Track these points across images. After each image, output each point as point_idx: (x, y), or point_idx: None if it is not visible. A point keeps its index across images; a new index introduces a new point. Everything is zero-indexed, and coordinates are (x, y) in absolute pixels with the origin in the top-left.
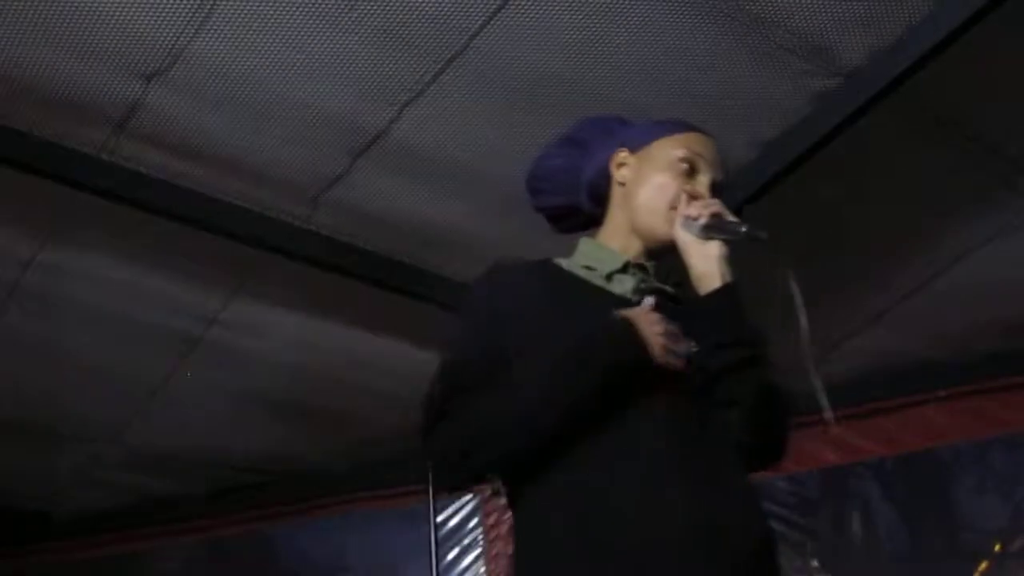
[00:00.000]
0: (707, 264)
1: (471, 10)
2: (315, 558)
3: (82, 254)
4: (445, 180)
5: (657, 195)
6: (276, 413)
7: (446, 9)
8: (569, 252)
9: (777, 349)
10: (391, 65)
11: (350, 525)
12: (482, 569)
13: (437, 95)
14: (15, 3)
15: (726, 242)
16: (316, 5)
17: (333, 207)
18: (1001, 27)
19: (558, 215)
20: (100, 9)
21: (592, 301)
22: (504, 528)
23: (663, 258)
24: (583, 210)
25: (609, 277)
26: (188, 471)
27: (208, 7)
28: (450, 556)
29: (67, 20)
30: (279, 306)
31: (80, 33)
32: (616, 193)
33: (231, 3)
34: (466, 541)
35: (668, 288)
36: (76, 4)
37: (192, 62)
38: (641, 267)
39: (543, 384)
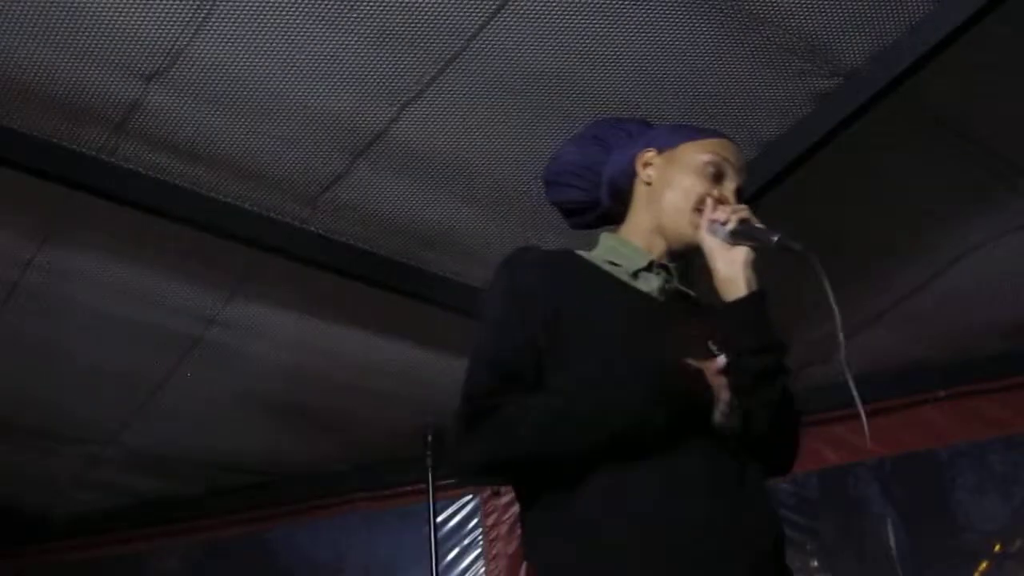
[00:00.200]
0: (732, 269)
1: (471, 11)
2: (314, 558)
3: (82, 254)
4: (445, 180)
5: (683, 197)
6: (275, 413)
7: (445, 10)
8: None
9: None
10: (391, 65)
11: (350, 525)
12: (482, 569)
13: (437, 95)
14: (15, 4)
15: (753, 249)
16: (315, 5)
17: (333, 207)
18: (1001, 27)
19: (573, 209)
20: (100, 10)
21: (621, 297)
22: (504, 528)
23: (684, 259)
24: (600, 206)
25: (635, 275)
26: (187, 471)
27: (208, 8)
28: (450, 556)
29: (67, 21)
30: (278, 306)
31: (80, 33)
32: (641, 192)
33: (230, 3)
34: (466, 541)
35: (690, 292)
36: (76, 5)
37: (192, 62)
38: (664, 267)
39: (602, 417)
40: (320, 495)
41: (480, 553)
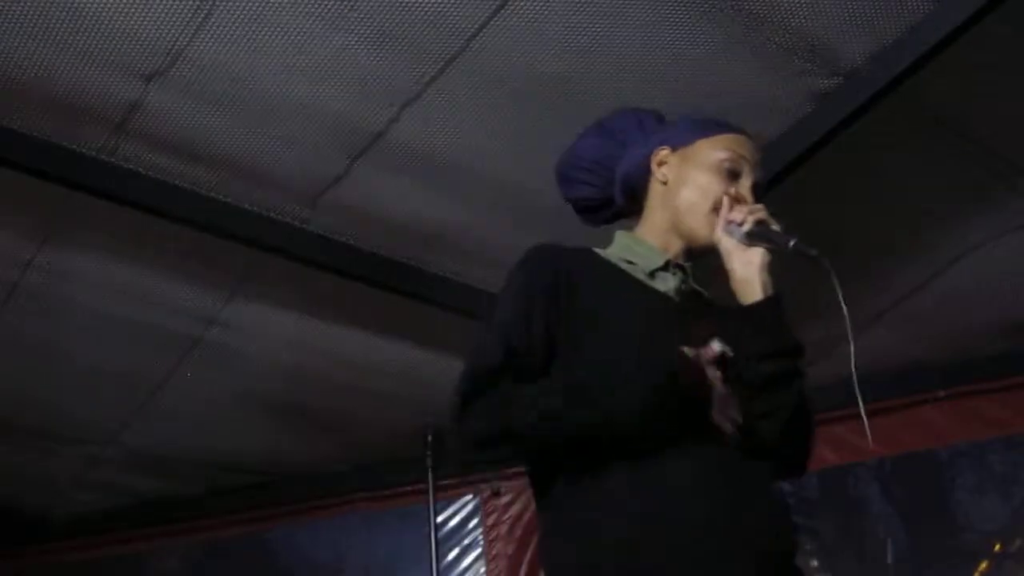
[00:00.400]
0: (748, 271)
1: (470, 11)
2: (314, 558)
3: (82, 254)
4: (445, 180)
5: (700, 196)
6: (275, 413)
7: (445, 10)
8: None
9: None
10: (390, 66)
11: (350, 525)
12: (482, 569)
13: (436, 96)
14: (15, 3)
15: (769, 251)
16: (315, 6)
17: (332, 207)
18: (1001, 27)
19: (586, 207)
20: (100, 10)
21: (638, 296)
22: (504, 528)
23: (700, 259)
24: (614, 204)
25: (652, 274)
26: (187, 471)
27: (208, 8)
28: (450, 556)
29: (67, 21)
30: (278, 306)
31: (80, 34)
32: (656, 191)
33: (231, 3)
34: (466, 541)
35: (704, 292)
36: (76, 5)
37: (192, 63)
38: (680, 267)
39: (601, 410)
40: (320, 495)
41: (480, 553)
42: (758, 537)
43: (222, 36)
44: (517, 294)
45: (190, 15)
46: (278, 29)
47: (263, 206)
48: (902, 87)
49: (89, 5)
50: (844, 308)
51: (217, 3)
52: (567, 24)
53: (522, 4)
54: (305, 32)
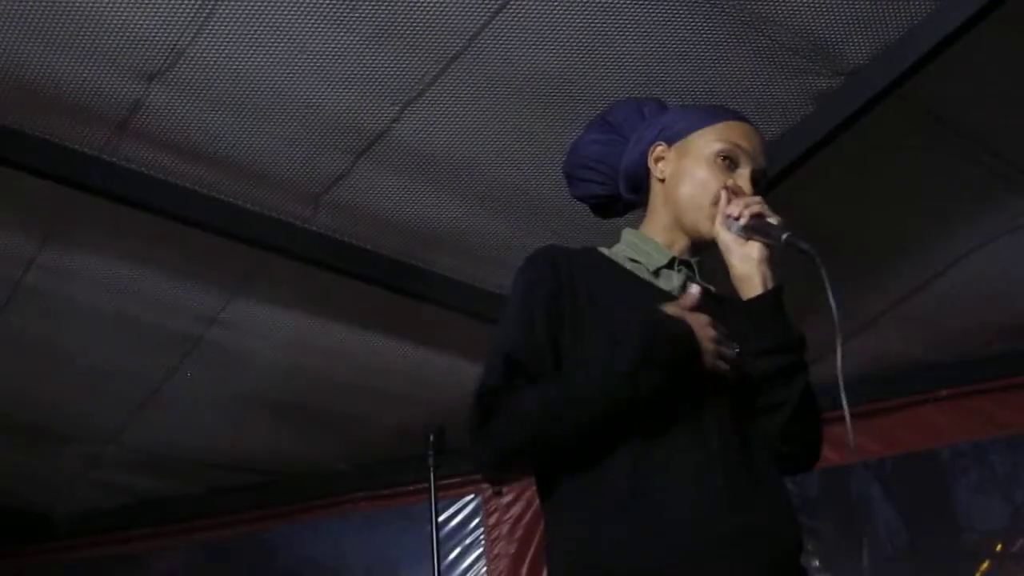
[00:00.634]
0: (747, 266)
1: (472, 10)
2: (315, 558)
3: (83, 253)
4: (446, 180)
5: (699, 191)
6: (276, 413)
7: (447, 9)
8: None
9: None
10: (392, 65)
11: (350, 525)
12: (483, 569)
13: (438, 95)
14: (16, 3)
15: (766, 245)
16: (317, 5)
17: (334, 207)
18: (1002, 27)
19: (597, 204)
20: (101, 9)
21: (642, 296)
22: (506, 528)
23: (707, 254)
24: (622, 198)
25: (656, 272)
26: (187, 471)
27: (210, 7)
28: (451, 556)
29: (68, 20)
30: (279, 306)
31: (81, 33)
32: (656, 188)
33: (232, 3)
34: (468, 541)
35: (711, 287)
36: (78, 4)
37: (193, 62)
38: (687, 264)
39: (596, 383)
40: (321, 495)
41: (482, 553)
42: (761, 537)
43: (224, 35)
44: (519, 304)
45: (192, 15)
46: (280, 29)
47: (264, 205)
48: (903, 87)
49: (91, 4)
50: (832, 302)
51: (219, 3)
52: (568, 24)
53: (524, 4)
54: (307, 31)
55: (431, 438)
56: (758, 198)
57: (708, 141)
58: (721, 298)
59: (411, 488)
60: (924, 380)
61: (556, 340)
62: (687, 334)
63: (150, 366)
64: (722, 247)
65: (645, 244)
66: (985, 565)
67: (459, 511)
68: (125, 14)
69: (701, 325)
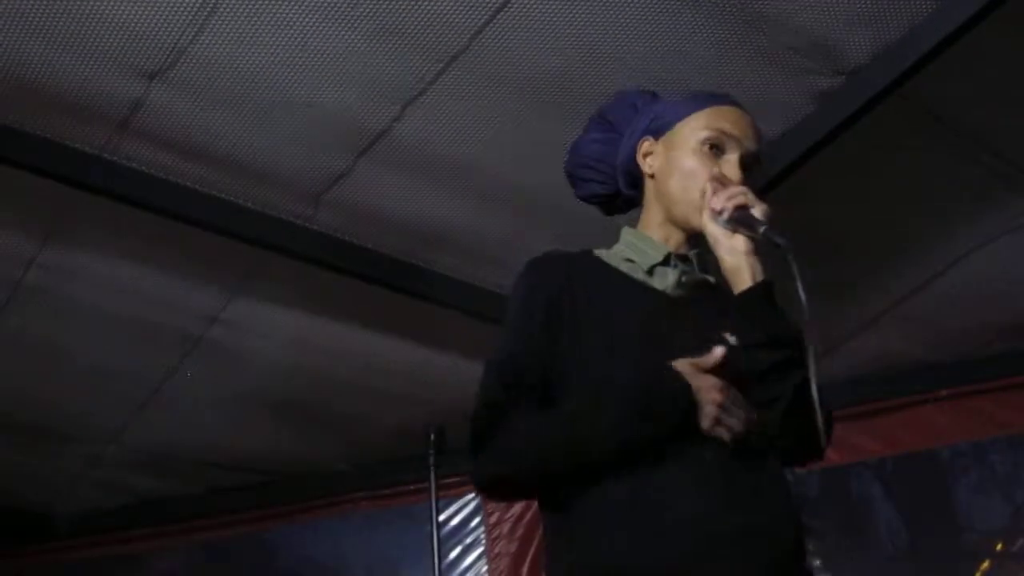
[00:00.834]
0: (735, 259)
1: (473, 9)
2: (315, 558)
3: (84, 253)
4: (448, 179)
5: (688, 184)
6: (276, 413)
7: (449, 7)
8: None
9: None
10: (394, 63)
11: (350, 525)
12: (484, 568)
13: (439, 94)
14: (16, 2)
15: (749, 238)
16: (318, 3)
17: (335, 206)
18: (1002, 27)
19: (601, 203)
20: (102, 8)
21: (635, 299)
22: (506, 527)
23: (707, 245)
24: (623, 194)
25: (650, 271)
26: (188, 471)
27: (211, 6)
28: (452, 555)
29: (69, 19)
30: (280, 305)
31: (82, 32)
32: (648, 184)
33: (234, 1)
34: (468, 540)
35: (710, 279)
36: (78, 3)
37: (194, 61)
38: (684, 258)
39: (588, 428)
40: (321, 495)
41: (482, 552)
42: (761, 538)
43: (225, 34)
44: (519, 310)
45: (193, 13)
46: (281, 27)
47: (265, 204)
48: (904, 87)
49: (92, 3)
50: (803, 297)
51: (220, 1)
52: (569, 22)
53: (525, 3)
54: (308, 30)
55: (432, 437)
56: (743, 188)
57: (693, 129)
58: (724, 290)
59: (411, 488)
60: (924, 380)
61: (555, 344)
62: (684, 392)
63: (151, 366)
64: (710, 240)
65: (642, 242)
66: (985, 565)
67: (460, 510)
68: (126, 13)
69: (708, 387)
